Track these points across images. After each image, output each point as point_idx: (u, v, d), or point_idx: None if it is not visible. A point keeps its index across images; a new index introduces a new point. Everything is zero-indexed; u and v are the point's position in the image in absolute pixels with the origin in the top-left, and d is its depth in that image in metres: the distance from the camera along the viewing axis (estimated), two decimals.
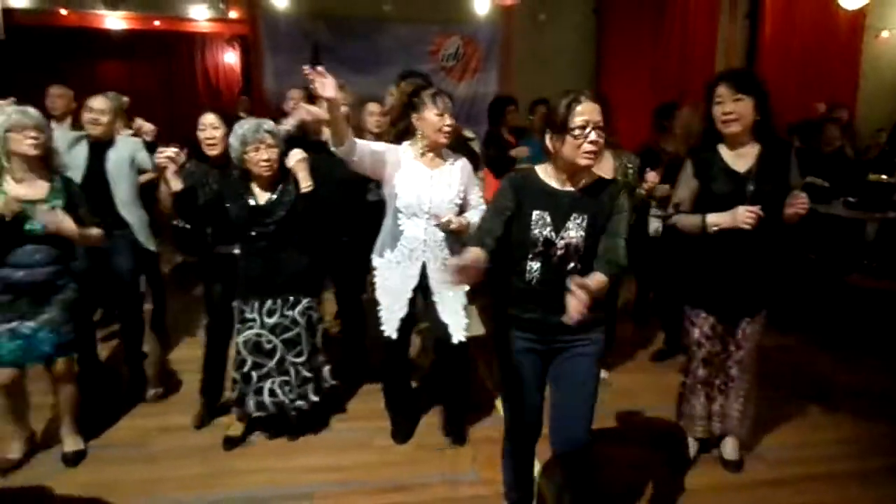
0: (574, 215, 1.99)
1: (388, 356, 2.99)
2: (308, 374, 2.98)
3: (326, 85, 2.48)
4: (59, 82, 4.40)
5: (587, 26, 7.15)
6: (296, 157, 2.89)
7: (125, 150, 3.34)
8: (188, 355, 4.04)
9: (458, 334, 2.84)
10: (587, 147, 1.92)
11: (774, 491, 2.74)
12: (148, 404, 3.42)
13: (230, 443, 3.02)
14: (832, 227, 4.66)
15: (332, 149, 2.63)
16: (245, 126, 2.77)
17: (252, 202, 2.83)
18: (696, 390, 2.80)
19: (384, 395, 3.14)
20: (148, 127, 3.18)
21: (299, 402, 2.97)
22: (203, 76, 9.41)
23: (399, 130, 2.89)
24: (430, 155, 2.77)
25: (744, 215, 2.41)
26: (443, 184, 2.75)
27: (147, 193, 3.52)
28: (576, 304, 1.77)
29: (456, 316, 2.84)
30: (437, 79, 5.50)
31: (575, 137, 1.91)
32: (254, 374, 2.92)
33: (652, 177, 3.23)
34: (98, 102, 3.27)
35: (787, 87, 6.56)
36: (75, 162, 3.22)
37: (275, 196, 2.85)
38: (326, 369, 3.08)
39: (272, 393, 2.93)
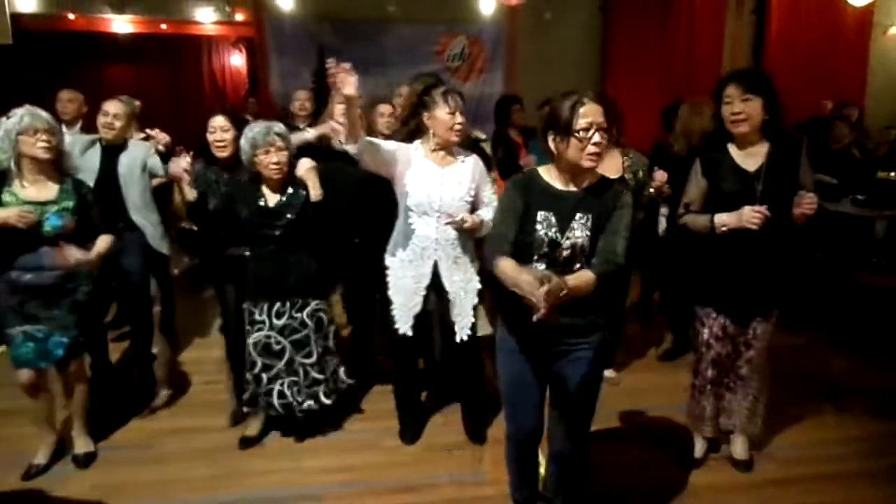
0: (579, 215, 1.99)
1: (401, 355, 3.00)
2: (318, 376, 2.99)
3: (348, 82, 2.48)
4: (67, 86, 4.43)
5: (593, 25, 7.12)
6: (305, 166, 2.90)
7: (137, 155, 3.37)
8: (197, 357, 4.08)
9: (463, 332, 2.85)
10: (591, 149, 1.92)
11: (783, 490, 2.73)
12: (158, 406, 3.44)
13: (246, 442, 3.05)
14: (841, 225, 4.64)
15: (344, 146, 2.62)
16: (256, 129, 2.79)
17: (262, 204, 2.85)
18: (705, 391, 2.79)
19: (395, 394, 3.14)
20: (162, 136, 3.20)
21: (308, 403, 2.97)
22: (210, 79, 9.45)
23: (410, 129, 2.89)
24: (441, 153, 2.76)
25: (749, 215, 2.40)
26: (454, 182, 2.75)
27: (158, 196, 3.55)
28: (540, 299, 1.69)
29: (464, 314, 2.85)
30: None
31: (579, 140, 1.92)
32: (264, 375, 2.94)
33: (659, 176, 3.22)
34: (113, 107, 3.30)
35: (793, 83, 6.50)
36: (89, 165, 3.25)
37: (284, 199, 2.86)
38: (342, 370, 3.10)
39: (281, 394, 2.95)
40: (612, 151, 3.12)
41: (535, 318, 1.71)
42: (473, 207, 2.80)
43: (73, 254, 2.63)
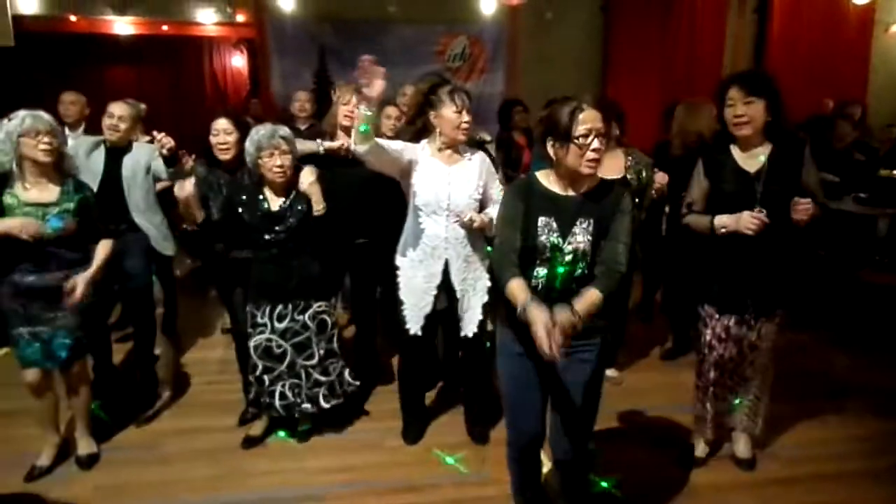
0: (580, 220, 1.99)
1: (409, 354, 3.00)
2: (320, 377, 3.00)
3: (376, 85, 2.49)
4: (69, 88, 4.43)
5: (594, 24, 7.12)
6: (308, 179, 2.89)
7: (141, 157, 3.37)
8: (200, 358, 4.09)
9: (469, 328, 2.85)
10: (590, 155, 1.93)
11: (786, 489, 2.73)
12: (160, 407, 3.44)
13: (249, 442, 3.05)
14: (843, 223, 4.63)
15: (353, 146, 2.62)
16: (261, 132, 2.79)
17: (265, 207, 2.85)
18: (707, 393, 2.78)
19: (400, 394, 3.13)
20: (167, 141, 3.22)
21: (305, 405, 2.98)
22: (211, 80, 9.45)
23: (417, 128, 2.90)
24: (448, 152, 2.76)
25: (747, 221, 2.41)
26: (462, 180, 2.75)
27: (162, 199, 3.55)
28: (552, 347, 1.77)
29: (472, 311, 2.86)
30: None
31: (579, 147, 1.92)
32: (265, 377, 2.94)
33: (660, 178, 3.22)
34: (119, 108, 3.31)
35: (795, 82, 6.49)
36: (94, 167, 3.26)
37: (287, 203, 2.86)
38: (347, 372, 3.10)
39: (282, 396, 2.95)
40: (614, 151, 3.12)
41: (545, 358, 1.80)
42: (482, 205, 2.80)
43: (77, 285, 2.62)
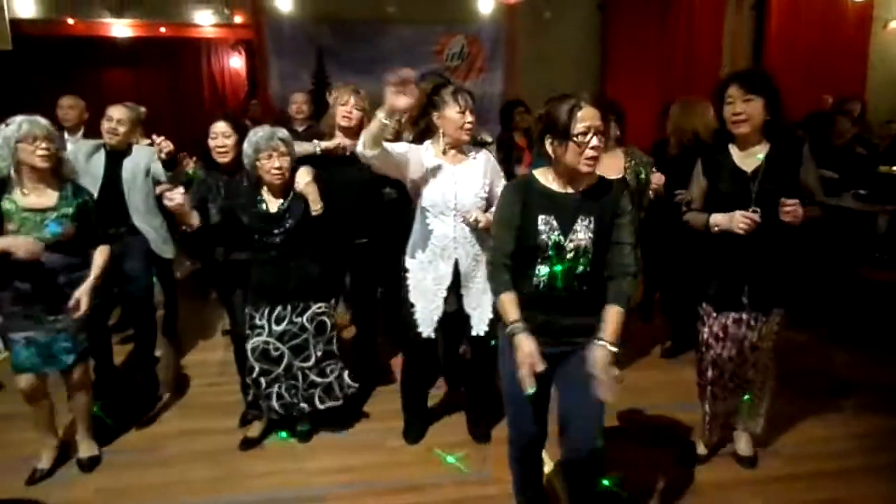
0: (581, 218, 1.99)
1: (416, 357, 2.99)
2: (316, 379, 2.99)
3: (405, 101, 2.47)
4: (67, 91, 4.43)
5: (592, 23, 7.12)
6: (304, 179, 2.88)
7: (141, 160, 3.37)
8: (200, 360, 4.08)
9: (480, 328, 2.85)
10: (589, 153, 1.92)
11: (787, 487, 2.73)
12: (161, 409, 3.44)
13: (247, 444, 3.05)
14: (843, 219, 4.63)
15: (360, 150, 2.61)
16: (259, 133, 2.79)
17: (263, 209, 2.85)
18: (706, 391, 2.78)
19: (403, 394, 3.12)
20: (166, 144, 3.22)
21: (302, 405, 2.98)
22: (209, 81, 9.45)
23: (420, 129, 2.89)
24: (453, 152, 2.76)
25: (738, 220, 2.42)
26: (467, 179, 2.75)
27: (162, 202, 3.54)
28: (607, 388, 1.90)
29: (482, 310, 2.85)
30: None
31: (577, 144, 1.91)
32: (262, 379, 2.94)
33: (656, 178, 3.21)
34: (117, 112, 3.31)
35: (794, 79, 6.49)
36: (94, 171, 3.26)
37: (285, 204, 2.86)
38: (346, 374, 3.09)
39: (280, 396, 2.95)
40: (614, 151, 3.11)
41: (604, 399, 1.93)
42: (489, 203, 2.79)
43: (81, 299, 2.62)
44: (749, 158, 2.53)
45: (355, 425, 3.25)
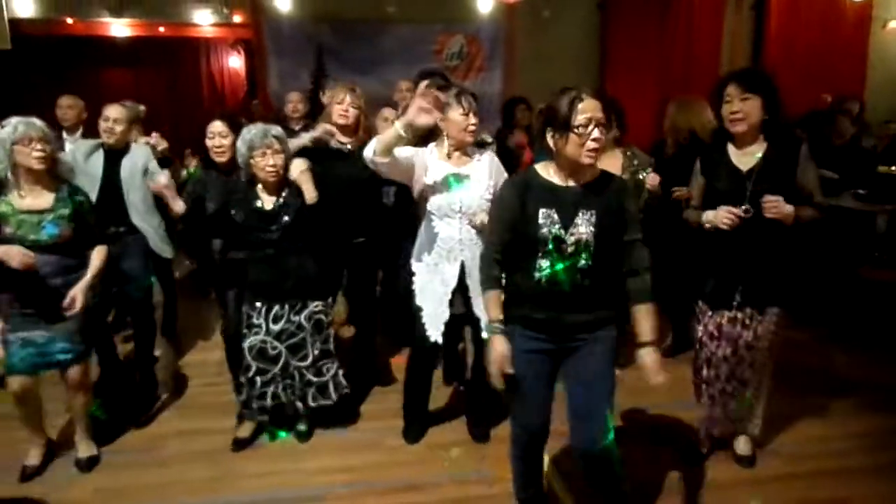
0: (582, 212, 1.98)
1: (422, 360, 2.97)
2: (312, 378, 2.99)
3: (427, 117, 2.51)
4: (66, 91, 4.42)
5: (591, 22, 7.11)
6: (298, 168, 2.88)
7: (139, 159, 3.37)
8: (199, 360, 4.08)
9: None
10: (590, 145, 1.91)
11: (787, 486, 2.73)
12: (159, 409, 3.44)
13: (238, 444, 3.04)
14: (842, 219, 4.62)
15: (370, 156, 2.62)
16: (253, 131, 2.78)
17: (258, 206, 2.84)
18: (701, 390, 2.78)
19: (406, 395, 3.11)
20: (161, 143, 3.21)
21: (298, 404, 2.98)
22: (208, 81, 9.45)
23: (424, 132, 2.89)
24: (457, 154, 2.77)
25: (722, 216, 2.45)
26: (472, 181, 2.75)
27: (159, 201, 3.54)
28: (654, 369, 2.04)
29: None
30: None
31: (578, 135, 1.91)
32: (258, 378, 2.93)
33: (651, 179, 3.21)
34: (113, 111, 3.30)
35: (793, 79, 6.48)
36: (92, 171, 3.25)
37: (280, 201, 2.86)
38: (340, 373, 3.08)
39: (275, 396, 2.95)
40: (612, 151, 3.11)
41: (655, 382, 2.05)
42: None
43: (76, 297, 2.61)
44: (746, 157, 2.54)
45: (355, 425, 3.25)
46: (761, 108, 2.44)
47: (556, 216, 1.98)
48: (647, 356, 2.04)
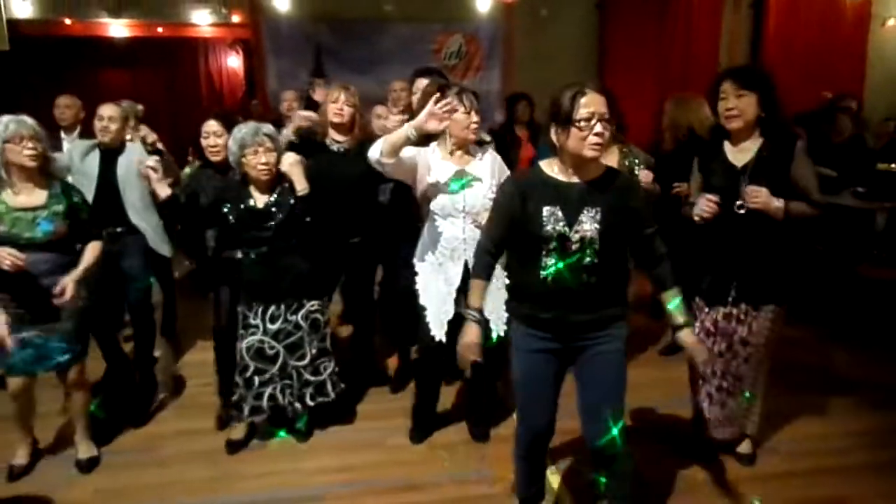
0: (587, 209, 1.96)
1: (430, 360, 2.96)
2: (310, 377, 2.98)
3: (437, 124, 2.53)
4: (64, 91, 4.42)
5: (589, 21, 7.12)
6: (288, 160, 2.88)
7: (135, 157, 3.36)
8: (199, 360, 4.06)
9: (498, 328, 2.83)
10: (593, 139, 1.90)
11: (786, 484, 2.73)
12: (158, 409, 3.44)
13: (232, 446, 3.02)
14: (841, 217, 4.62)
15: (375, 157, 2.62)
16: (244, 129, 2.78)
17: (250, 205, 2.84)
18: (697, 387, 2.78)
19: (417, 397, 3.09)
20: (150, 136, 3.21)
21: (296, 405, 2.97)
22: (206, 81, 9.43)
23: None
24: (459, 153, 2.76)
25: (702, 204, 2.50)
26: (475, 180, 2.74)
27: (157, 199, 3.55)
28: (698, 348, 2.14)
29: (497, 309, 2.81)
30: None
31: (580, 129, 1.89)
32: (256, 378, 2.91)
33: (643, 176, 3.21)
34: (108, 110, 3.30)
35: (792, 77, 6.49)
36: (89, 171, 3.25)
37: (272, 199, 2.85)
38: (336, 371, 3.08)
39: (271, 397, 2.93)
40: (609, 148, 3.11)
41: (700, 360, 2.24)
42: None
43: (67, 287, 2.60)
44: (741, 154, 2.54)
45: (354, 424, 3.25)
46: (757, 104, 2.45)
47: (560, 214, 1.96)
48: (687, 337, 2.10)
